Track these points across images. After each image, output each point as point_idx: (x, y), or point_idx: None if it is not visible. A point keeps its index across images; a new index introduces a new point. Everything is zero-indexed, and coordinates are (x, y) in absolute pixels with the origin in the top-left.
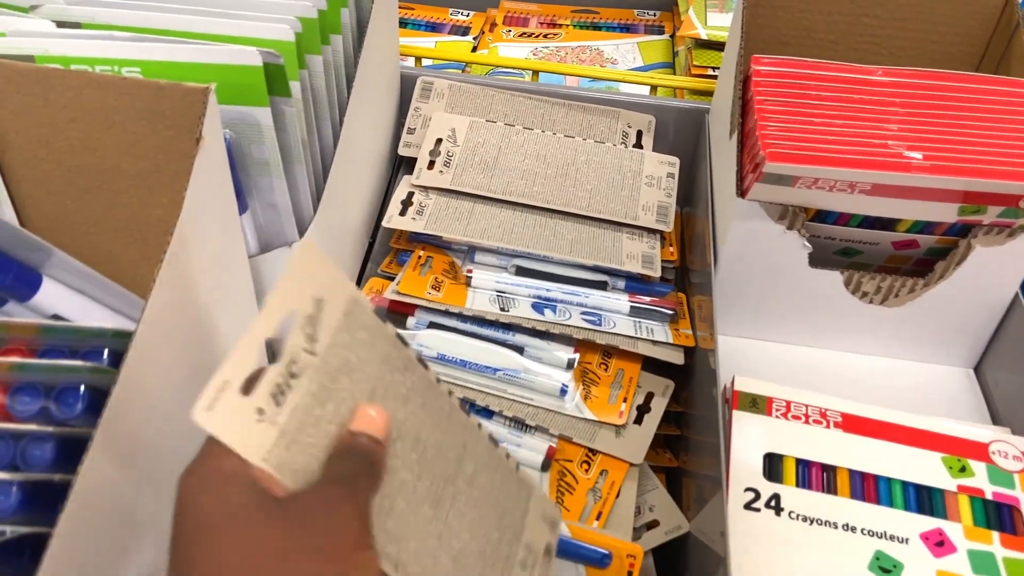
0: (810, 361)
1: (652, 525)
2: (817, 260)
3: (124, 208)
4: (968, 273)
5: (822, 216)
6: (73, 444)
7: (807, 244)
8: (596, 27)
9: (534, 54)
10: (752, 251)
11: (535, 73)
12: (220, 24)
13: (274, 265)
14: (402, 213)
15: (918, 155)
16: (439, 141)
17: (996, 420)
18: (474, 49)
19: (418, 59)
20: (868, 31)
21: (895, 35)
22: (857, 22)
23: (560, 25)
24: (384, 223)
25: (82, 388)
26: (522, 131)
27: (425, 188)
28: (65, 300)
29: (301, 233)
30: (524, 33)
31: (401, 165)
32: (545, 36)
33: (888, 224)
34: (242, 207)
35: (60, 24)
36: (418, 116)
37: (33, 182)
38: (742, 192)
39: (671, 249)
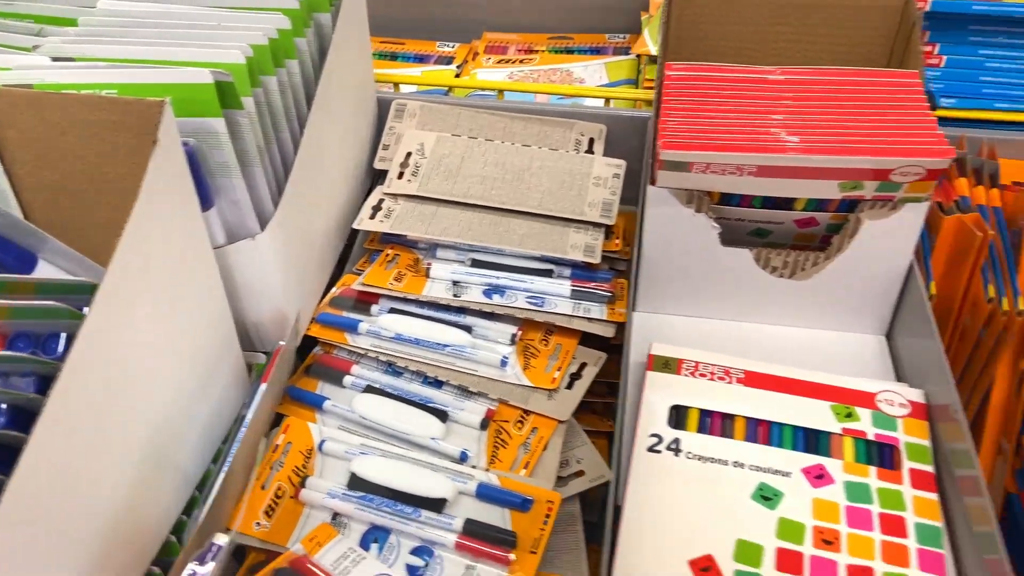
0: (734, 334)
1: (579, 475)
2: (731, 240)
3: (106, 206)
4: (862, 245)
5: (727, 199)
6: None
7: (715, 225)
8: (569, 51)
9: (510, 77)
10: (669, 234)
11: (500, 92)
12: (184, 52)
13: (239, 254)
14: (372, 217)
15: (795, 139)
16: (409, 154)
17: (901, 381)
18: (457, 76)
19: (396, 85)
20: (783, 38)
21: (810, 41)
22: (773, 30)
23: (536, 51)
24: (354, 225)
25: (63, 336)
26: (483, 143)
27: (395, 195)
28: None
29: (263, 227)
30: (502, 60)
31: (379, 179)
32: (521, 61)
33: (787, 204)
34: (208, 203)
35: (56, 59)
36: (392, 134)
37: (35, 189)
38: (652, 180)
39: (618, 242)
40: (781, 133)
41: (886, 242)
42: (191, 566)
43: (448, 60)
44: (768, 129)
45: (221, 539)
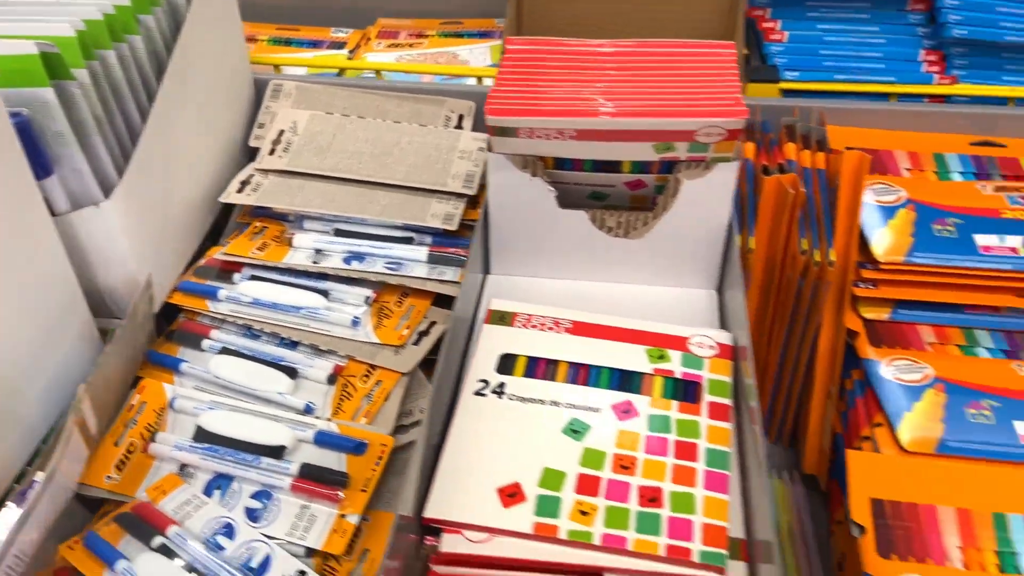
0: (580, 292)
1: (420, 423)
2: (571, 203)
3: None
4: (684, 205)
5: (561, 164)
6: None
7: (551, 188)
8: (459, 35)
9: (398, 60)
10: (510, 199)
11: (379, 72)
12: (16, 27)
13: (85, 220)
14: (239, 191)
15: (610, 104)
16: (282, 132)
17: (724, 329)
18: (349, 60)
19: (276, 67)
20: (627, 17)
21: (653, 19)
22: (617, 8)
23: (427, 35)
24: (220, 198)
25: None
26: (356, 120)
27: (265, 171)
28: None
29: (107, 196)
30: (392, 44)
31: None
32: (411, 45)
33: (615, 167)
34: (47, 171)
35: None
36: (268, 113)
37: None
38: (489, 147)
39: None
40: (599, 99)
41: (704, 201)
42: (9, 503)
43: (341, 45)
44: (588, 96)
45: (39, 476)
